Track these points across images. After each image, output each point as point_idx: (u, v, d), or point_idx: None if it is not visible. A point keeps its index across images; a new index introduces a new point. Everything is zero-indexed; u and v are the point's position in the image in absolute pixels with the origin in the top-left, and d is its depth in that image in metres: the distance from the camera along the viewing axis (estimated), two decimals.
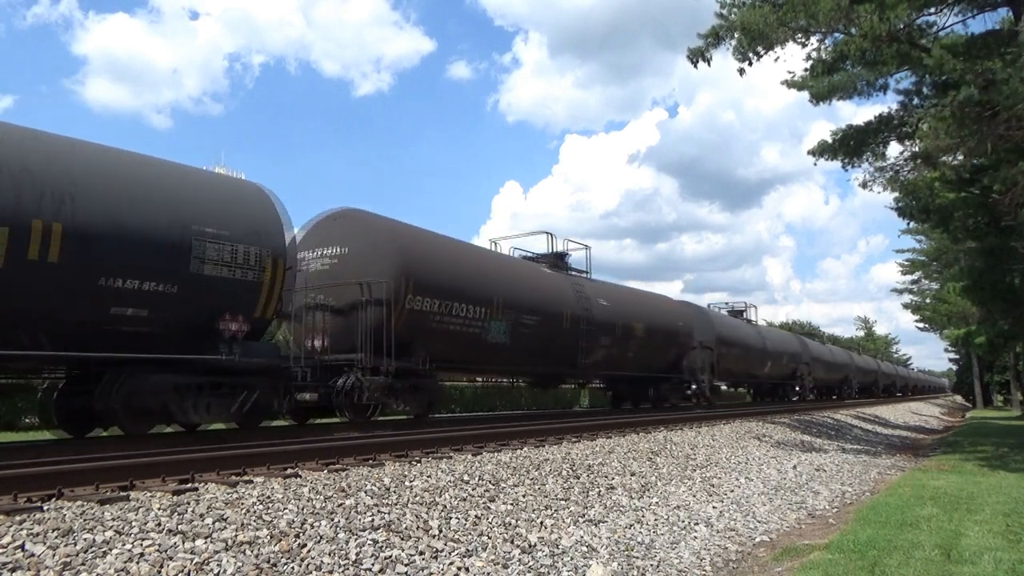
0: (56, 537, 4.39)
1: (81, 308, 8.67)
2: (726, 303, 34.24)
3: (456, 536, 5.88)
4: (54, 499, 5.28)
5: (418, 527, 5.85)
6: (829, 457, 15.03)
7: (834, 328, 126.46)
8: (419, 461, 8.07)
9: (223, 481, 6.10)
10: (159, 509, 5.10)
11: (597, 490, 8.37)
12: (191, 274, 9.56)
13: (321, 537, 5.19)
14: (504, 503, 7.03)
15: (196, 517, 5.05)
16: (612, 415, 18.32)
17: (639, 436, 12.71)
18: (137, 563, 4.28)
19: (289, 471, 6.80)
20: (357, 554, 5.08)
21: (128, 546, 4.44)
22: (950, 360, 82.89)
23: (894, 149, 19.49)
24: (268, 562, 4.65)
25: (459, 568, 5.30)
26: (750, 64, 15.97)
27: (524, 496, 7.42)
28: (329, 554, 4.98)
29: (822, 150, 18.62)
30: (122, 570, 4.18)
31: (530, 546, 6.06)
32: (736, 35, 15.55)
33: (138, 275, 9.01)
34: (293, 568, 4.68)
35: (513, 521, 6.58)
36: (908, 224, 33.78)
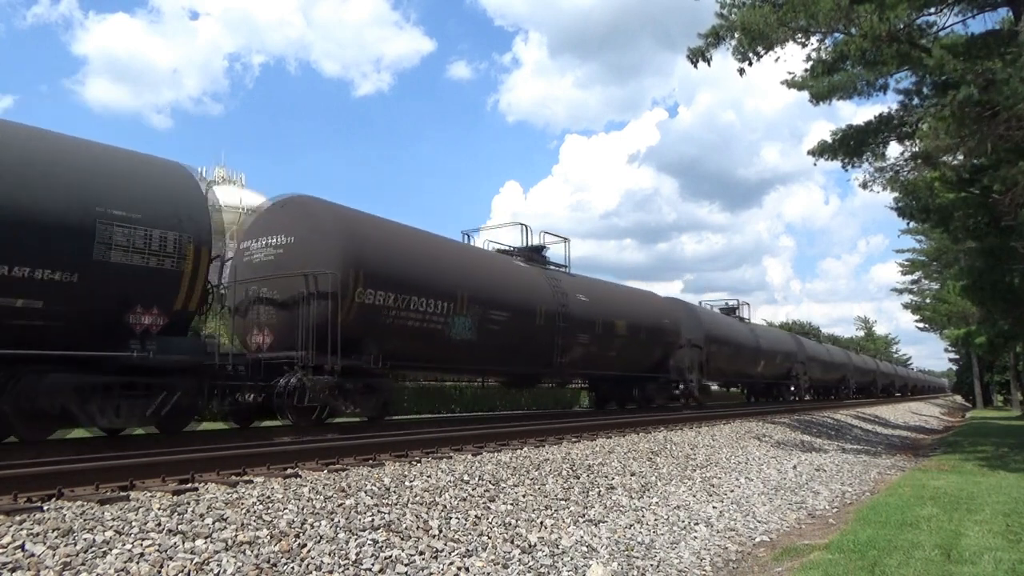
0: (56, 537, 4.39)
1: None
2: (724, 301, 33.53)
3: (456, 536, 5.88)
4: (54, 499, 5.27)
5: (418, 527, 5.85)
6: (829, 457, 15.03)
7: (834, 328, 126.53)
8: (419, 461, 8.07)
9: (223, 481, 6.10)
10: (159, 509, 5.09)
11: (597, 490, 8.37)
12: (95, 261, 8.60)
13: (321, 537, 5.19)
14: (504, 503, 7.03)
15: (196, 517, 5.05)
16: (611, 416, 18.12)
17: (639, 436, 12.71)
18: (137, 563, 4.28)
19: (289, 471, 6.80)
20: (357, 554, 5.08)
21: (128, 546, 4.44)
22: (950, 360, 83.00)
23: (894, 149, 19.52)
24: (268, 562, 4.65)
25: (459, 568, 5.30)
26: (750, 64, 15.98)
27: (524, 496, 7.42)
28: (329, 554, 4.98)
29: (822, 150, 18.62)
30: (122, 570, 4.18)
31: (530, 546, 6.07)
32: (736, 35, 15.56)
33: (29, 261, 8.08)
34: (293, 568, 4.68)
35: (513, 521, 6.58)
36: (908, 224, 33.85)
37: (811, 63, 17.80)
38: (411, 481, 7.00)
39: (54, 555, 4.19)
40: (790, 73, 19.29)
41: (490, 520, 6.45)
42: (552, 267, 18.72)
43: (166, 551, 4.48)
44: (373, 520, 5.73)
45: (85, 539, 4.42)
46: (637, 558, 6.32)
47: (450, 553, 5.52)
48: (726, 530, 7.82)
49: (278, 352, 11.38)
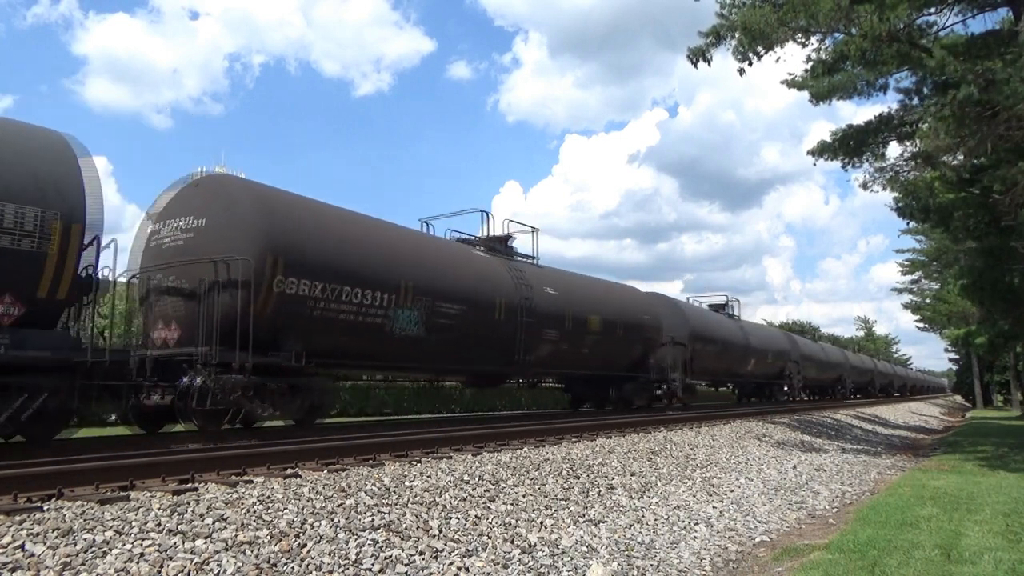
0: (56, 537, 4.39)
1: None
2: (725, 297, 32.45)
3: (456, 536, 5.88)
4: (54, 499, 5.28)
5: (418, 527, 5.85)
6: (829, 457, 15.03)
7: (834, 328, 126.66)
8: (419, 461, 8.08)
9: (223, 481, 6.10)
10: (159, 509, 5.10)
11: (597, 490, 8.37)
12: None
13: (321, 537, 5.20)
14: (504, 503, 7.03)
15: (196, 517, 5.05)
16: (611, 416, 17.92)
17: (639, 436, 12.71)
18: (137, 563, 4.28)
19: (289, 471, 6.80)
20: (357, 554, 5.08)
21: (128, 546, 4.44)
22: (950, 360, 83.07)
23: (894, 149, 19.52)
24: (268, 562, 4.65)
25: (459, 568, 5.30)
26: (750, 64, 15.98)
27: (524, 496, 7.42)
28: (329, 554, 4.98)
29: (822, 150, 18.62)
30: (122, 570, 4.18)
31: (530, 546, 6.07)
32: (736, 35, 15.56)
33: None
34: (293, 568, 4.68)
35: (513, 521, 6.58)
36: (908, 224, 33.82)
37: (811, 63, 17.82)
38: (411, 481, 7.00)
39: (54, 555, 4.19)
40: (790, 73, 19.31)
41: (490, 520, 6.45)
42: (519, 258, 17.51)
43: (166, 551, 4.48)
44: (373, 520, 5.73)
45: (85, 539, 4.42)
46: (637, 558, 6.32)
47: (450, 553, 5.52)
48: (726, 530, 7.82)
49: (186, 348, 10.12)
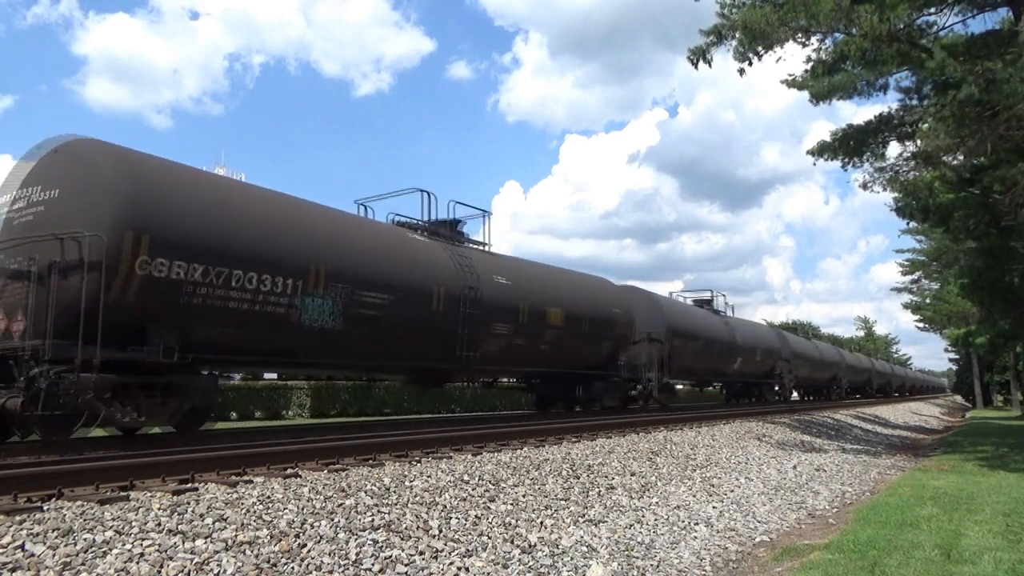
0: (56, 537, 4.39)
1: None
2: (711, 293, 30.28)
3: (456, 536, 5.88)
4: (54, 499, 5.28)
5: (418, 527, 5.85)
6: (829, 457, 15.03)
7: (834, 328, 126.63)
8: (419, 461, 8.08)
9: (223, 481, 6.10)
10: (159, 509, 5.10)
11: (597, 490, 8.37)
12: None
13: (321, 537, 5.20)
14: (504, 503, 7.04)
15: (196, 517, 5.05)
16: (611, 416, 17.57)
17: (639, 436, 12.71)
18: (137, 563, 4.28)
19: (289, 471, 6.80)
20: (357, 554, 5.09)
21: (128, 546, 4.44)
22: (950, 360, 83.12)
23: (894, 149, 19.53)
24: (268, 562, 4.65)
25: (459, 568, 5.30)
26: (750, 64, 16.00)
27: (524, 496, 7.42)
28: (329, 554, 4.98)
29: (822, 150, 18.64)
30: (122, 570, 4.18)
31: (530, 546, 6.07)
32: (737, 35, 15.57)
33: None
34: (293, 568, 4.68)
35: (513, 521, 6.58)
36: (908, 224, 33.84)
37: (811, 63, 17.85)
38: (411, 481, 7.00)
39: (54, 555, 4.19)
40: (790, 73, 19.33)
41: (490, 520, 6.45)
42: (469, 245, 15.95)
43: (166, 551, 4.48)
44: (373, 520, 5.73)
45: (85, 539, 4.42)
46: (637, 558, 6.32)
47: (450, 553, 5.52)
48: (726, 530, 7.82)
49: (33, 342, 8.53)
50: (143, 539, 4.57)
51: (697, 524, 7.82)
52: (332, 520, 5.53)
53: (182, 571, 4.30)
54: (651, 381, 20.62)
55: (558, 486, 8.11)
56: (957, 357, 73.54)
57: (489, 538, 6.03)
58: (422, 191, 15.23)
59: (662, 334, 21.38)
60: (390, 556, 5.19)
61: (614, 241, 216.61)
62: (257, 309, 10.17)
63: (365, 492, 6.35)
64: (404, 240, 13.86)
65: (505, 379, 19.51)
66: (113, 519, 4.78)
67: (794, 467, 12.85)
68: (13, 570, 3.99)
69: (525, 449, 9.80)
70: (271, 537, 4.99)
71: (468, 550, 5.66)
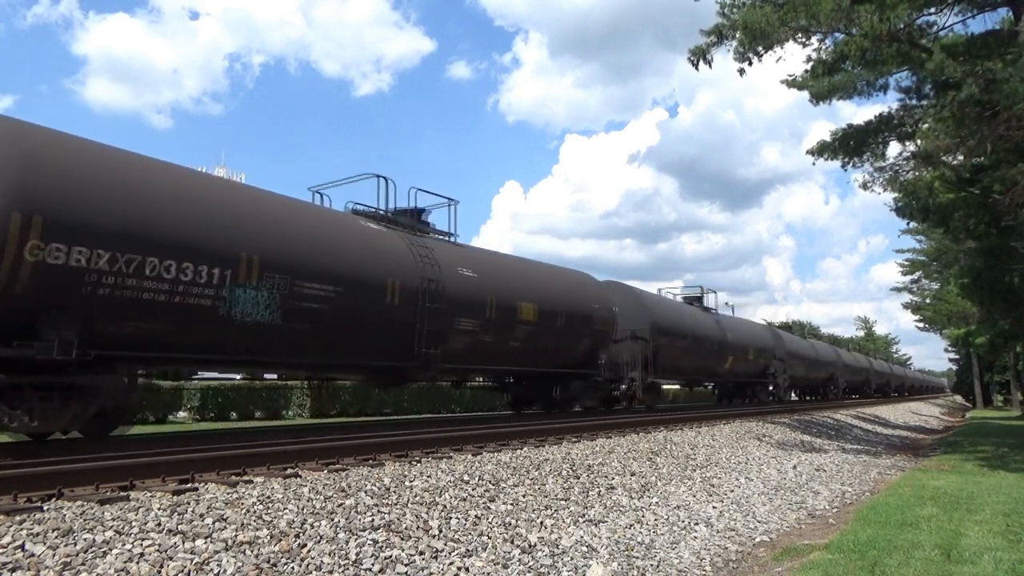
0: (56, 537, 4.39)
1: None
2: (701, 289, 29.12)
3: (456, 536, 5.89)
4: (54, 499, 5.28)
5: (418, 527, 5.86)
6: (829, 457, 15.03)
7: (834, 328, 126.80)
8: (419, 461, 8.08)
9: (223, 481, 6.10)
10: (159, 509, 5.10)
11: (597, 490, 8.38)
12: None
13: (321, 537, 5.20)
14: (504, 503, 7.04)
15: (196, 517, 5.06)
16: (611, 416, 17.49)
17: (639, 436, 12.71)
18: (137, 563, 4.28)
19: (289, 471, 6.80)
20: (357, 554, 5.09)
21: (128, 546, 4.44)
22: (950, 360, 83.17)
23: (894, 149, 19.55)
24: (268, 562, 4.66)
25: (459, 568, 5.30)
26: (750, 64, 16.01)
27: (524, 496, 7.42)
28: (329, 554, 4.98)
29: (822, 150, 18.66)
30: (122, 570, 4.18)
31: (530, 546, 6.07)
32: (737, 34, 15.58)
33: None
34: (293, 568, 4.68)
35: (513, 521, 6.59)
36: (908, 224, 33.86)
37: (811, 63, 17.86)
38: (411, 481, 7.00)
39: (54, 555, 4.19)
40: (790, 73, 19.34)
41: (490, 520, 6.45)
42: (434, 235, 14.98)
43: (166, 551, 4.48)
44: (373, 520, 5.73)
45: (85, 539, 4.43)
46: (637, 558, 6.33)
47: (450, 553, 5.52)
48: (726, 530, 7.82)
49: None
50: (143, 539, 4.57)
51: (697, 524, 7.82)
52: (332, 520, 5.53)
53: (182, 571, 4.30)
54: (635, 381, 19.73)
55: (558, 486, 8.11)
56: (957, 357, 73.59)
57: (489, 538, 6.03)
58: (379, 176, 13.96)
59: (647, 332, 20.57)
60: (390, 556, 5.19)
61: (614, 241, 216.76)
62: (177, 301, 9.20)
63: (365, 492, 6.35)
64: (354, 228, 12.61)
65: (479, 379, 18.70)
66: (113, 519, 4.79)
67: (794, 467, 12.85)
68: (13, 570, 3.99)
69: (525, 449, 9.80)
70: (271, 537, 4.99)
71: (468, 550, 5.66)
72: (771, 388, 31.95)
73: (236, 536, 4.86)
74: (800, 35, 16.10)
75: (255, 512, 5.35)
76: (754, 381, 31.28)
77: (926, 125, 17.48)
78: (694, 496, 9.21)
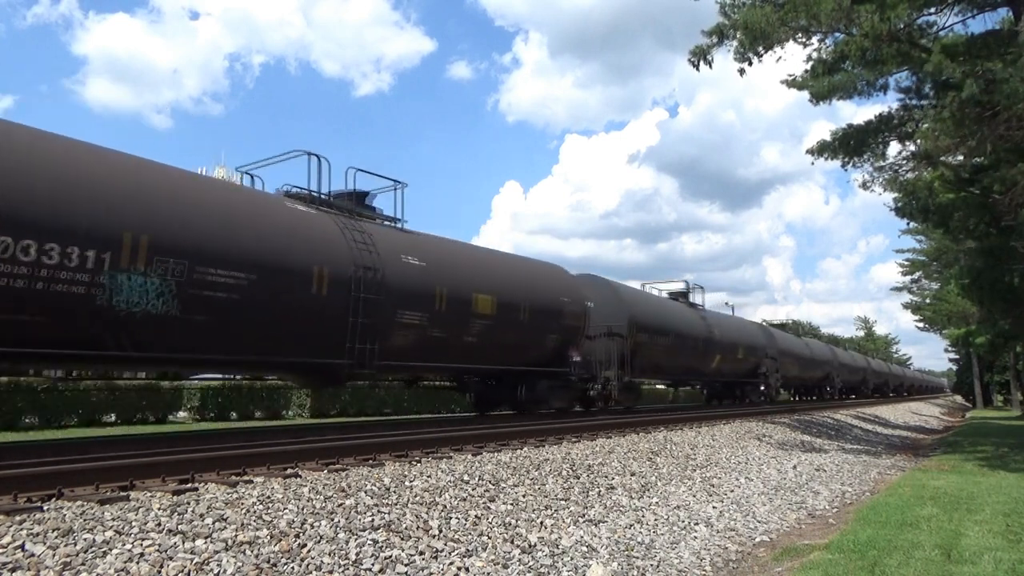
0: (56, 537, 4.39)
1: None
2: (686, 284, 27.28)
3: (456, 536, 5.88)
4: (54, 499, 5.28)
5: (418, 527, 5.85)
6: (829, 457, 15.03)
7: (834, 328, 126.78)
8: (419, 461, 8.08)
9: (223, 481, 6.10)
10: (159, 509, 5.10)
11: (597, 490, 8.37)
12: None
13: (321, 537, 5.20)
14: (504, 503, 7.04)
15: (196, 517, 5.05)
16: (612, 416, 17.27)
17: (639, 436, 12.71)
18: (137, 563, 4.28)
19: (289, 471, 6.80)
20: (357, 554, 5.09)
21: (128, 546, 4.44)
22: (950, 360, 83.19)
23: (894, 149, 19.55)
24: (268, 562, 4.65)
25: (459, 568, 5.30)
26: (750, 64, 16.02)
27: (524, 496, 7.42)
28: (329, 554, 4.98)
29: (822, 149, 18.66)
30: (122, 570, 4.18)
31: (530, 546, 6.07)
32: (738, 35, 15.59)
33: None
34: (293, 568, 4.68)
35: (513, 521, 6.59)
36: (908, 224, 33.88)
37: (811, 63, 17.86)
38: (411, 481, 7.00)
39: (54, 555, 4.19)
40: (790, 73, 19.35)
41: (490, 520, 6.45)
42: (379, 221, 13.56)
43: (166, 551, 4.48)
44: (373, 520, 5.73)
45: (85, 539, 4.43)
46: (637, 558, 6.32)
47: (450, 553, 5.52)
48: (726, 530, 7.82)
49: None
50: (143, 539, 4.57)
51: (697, 524, 7.82)
52: (332, 520, 5.53)
53: (182, 571, 4.30)
54: (611, 380, 18.47)
55: (558, 486, 8.11)
56: (957, 357, 73.61)
57: (489, 538, 6.03)
58: (310, 154, 12.45)
59: (623, 327, 19.07)
60: (390, 556, 5.19)
61: (614, 241, 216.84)
62: (40, 288, 7.88)
63: (365, 492, 6.35)
64: (273, 208, 11.23)
65: (436, 379, 17.26)
66: (113, 519, 4.79)
67: (794, 467, 12.85)
68: (13, 570, 3.99)
69: (525, 449, 9.80)
70: (271, 537, 4.99)
71: (468, 550, 5.66)
72: (762, 388, 30.39)
73: (236, 536, 4.86)
74: (800, 35, 16.11)
75: (255, 512, 5.35)
76: (744, 381, 29.75)
77: (926, 125, 17.47)
78: (694, 496, 9.20)
